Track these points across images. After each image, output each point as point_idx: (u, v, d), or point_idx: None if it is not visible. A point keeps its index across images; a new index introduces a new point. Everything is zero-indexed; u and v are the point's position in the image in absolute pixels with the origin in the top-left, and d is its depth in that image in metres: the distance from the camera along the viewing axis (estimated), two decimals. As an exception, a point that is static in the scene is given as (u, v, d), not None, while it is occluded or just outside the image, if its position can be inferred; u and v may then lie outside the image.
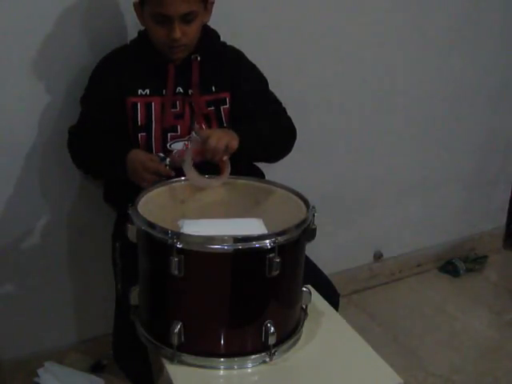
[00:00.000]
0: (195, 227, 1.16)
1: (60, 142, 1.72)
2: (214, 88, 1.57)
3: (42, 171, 1.75)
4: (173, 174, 1.41)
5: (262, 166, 1.67)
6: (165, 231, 1.13)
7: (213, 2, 1.53)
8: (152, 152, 1.52)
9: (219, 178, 1.39)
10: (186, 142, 1.55)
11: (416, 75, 2.29)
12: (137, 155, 1.45)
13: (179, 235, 1.12)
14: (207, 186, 1.40)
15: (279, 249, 1.12)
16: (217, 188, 1.40)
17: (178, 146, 1.55)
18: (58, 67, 1.67)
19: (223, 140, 1.36)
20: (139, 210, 1.23)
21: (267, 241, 1.12)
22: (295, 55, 1.98)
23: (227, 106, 1.58)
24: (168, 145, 1.54)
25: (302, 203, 1.31)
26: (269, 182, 1.44)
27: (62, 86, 1.69)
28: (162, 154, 1.49)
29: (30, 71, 1.64)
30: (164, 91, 1.54)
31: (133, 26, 1.65)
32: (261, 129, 1.54)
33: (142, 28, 1.56)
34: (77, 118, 1.61)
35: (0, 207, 1.73)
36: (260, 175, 1.68)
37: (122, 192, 1.46)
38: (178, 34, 1.44)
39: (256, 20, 1.86)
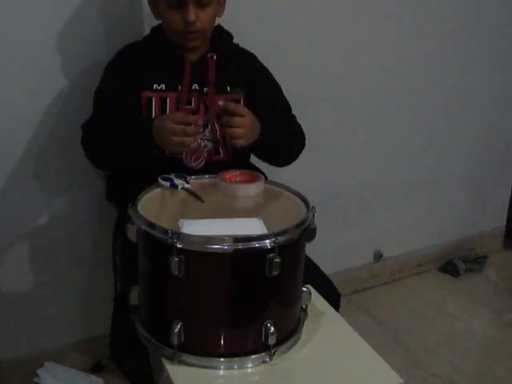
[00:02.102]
0: (195, 227, 1.16)
1: (62, 140, 1.72)
2: (228, 88, 1.57)
3: (42, 170, 1.75)
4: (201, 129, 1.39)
5: (262, 165, 1.67)
6: (165, 231, 1.13)
7: None
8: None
9: (253, 184, 1.37)
10: (199, 141, 1.53)
11: (416, 75, 2.29)
12: (163, 116, 1.41)
13: (179, 235, 1.12)
14: (240, 192, 1.37)
15: (279, 249, 1.12)
16: (216, 188, 1.40)
17: (191, 144, 1.52)
18: (68, 64, 1.67)
19: (244, 130, 1.38)
20: (139, 209, 1.23)
21: (267, 241, 1.12)
22: (295, 56, 1.97)
23: None
24: None
25: (301, 203, 1.31)
26: (269, 182, 1.44)
27: (69, 85, 1.69)
28: (181, 181, 1.37)
29: (38, 67, 1.64)
30: (179, 87, 1.52)
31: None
32: (278, 130, 1.54)
33: (155, 24, 1.56)
34: (82, 114, 1.60)
35: (0, 207, 1.73)
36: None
37: (124, 191, 1.46)
38: (192, 16, 1.43)
39: (255, 21, 1.86)
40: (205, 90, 1.54)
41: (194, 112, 1.54)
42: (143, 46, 1.58)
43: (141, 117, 1.51)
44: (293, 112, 1.68)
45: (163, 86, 1.52)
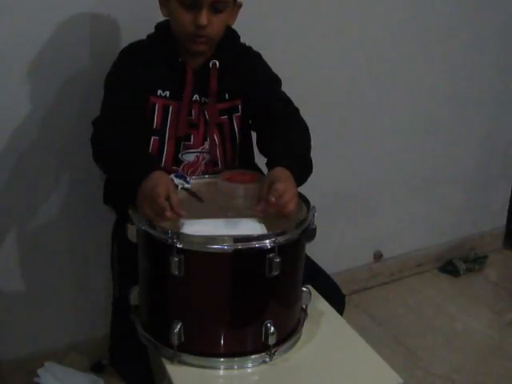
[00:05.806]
0: (195, 227, 1.16)
1: (60, 143, 1.72)
2: (227, 95, 1.51)
3: (41, 173, 1.75)
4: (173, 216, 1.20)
5: (262, 166, 1.66)
6: (165, 231, 1.13)
7: (240, 5, 1.46)
8: (161, 159, 1.45)
9: (254, 185, 1.35)
10: (198, 154, 1.50)
11: (417, 76, 2.29)
12: (159, 180, 1.23)
13: (179, 235, 1.12)
14: (241, 193, 1.35)
15: (279, 249, 1.12)
16: (216, 188, 1.40)
17: (189, 157, 1.49)
18: (56, 68, 1.66)
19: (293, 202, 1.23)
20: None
21: (267, 241, 1.12)
22: (296, 54, 1.97)
23: (239, 113, 1.53)
24: (180, 155, 1.48)
25: (302, 203, 1.31)
26: (269, 182, 1.43)
27: (70, 85, 1.68)
28: (181, 181, 1.35)
29: (27, 72, 1.63)
30: (182, 96, 1.47)
31: (132, 29, 1.64)
32: (296, 152, 1.44)
33: (160, 21, 1.50)
34: (78, 118, 1.59)
35: (0, 208, 1.73)
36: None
37: (121, 194, 1.45)
38: (204, 20, 1.36)
39: (256, 19, 1.86)
40: (202, 99, 1.49)
41: (194, 124, 1.49)
42: (147, 46, 1.50)
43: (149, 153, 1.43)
44: (295, 106, 1.59)
45: (167, 93, 1.47)
